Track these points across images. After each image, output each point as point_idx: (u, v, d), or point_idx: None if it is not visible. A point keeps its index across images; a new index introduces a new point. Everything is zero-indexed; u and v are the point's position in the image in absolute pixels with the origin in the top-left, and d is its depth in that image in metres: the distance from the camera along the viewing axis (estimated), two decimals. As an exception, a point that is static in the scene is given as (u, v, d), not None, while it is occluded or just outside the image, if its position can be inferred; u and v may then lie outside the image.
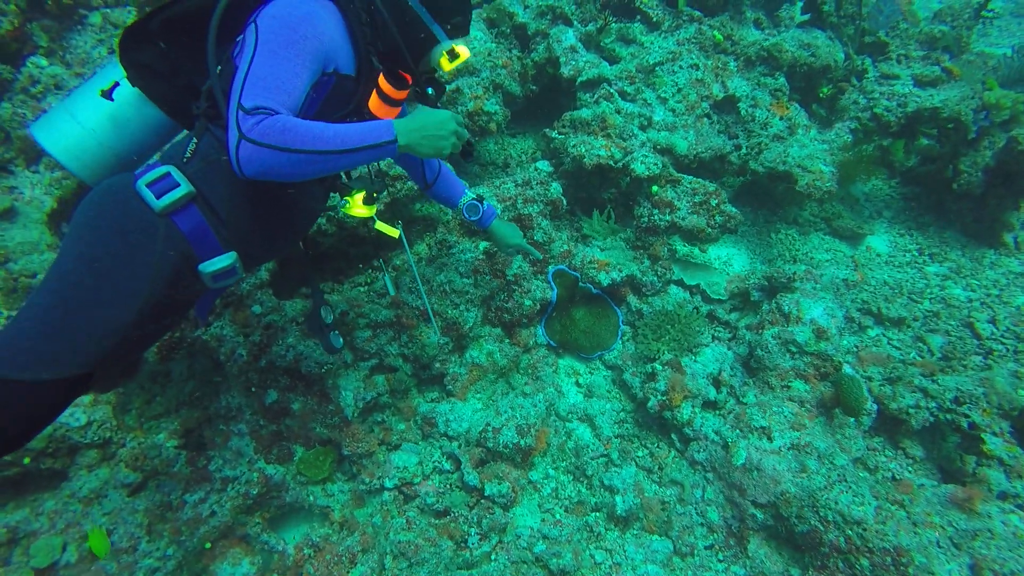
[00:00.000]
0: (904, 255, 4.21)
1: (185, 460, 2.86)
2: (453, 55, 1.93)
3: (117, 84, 1.84)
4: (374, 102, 1.87)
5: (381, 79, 1.83)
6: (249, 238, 1.87)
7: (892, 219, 4.40)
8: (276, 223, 1.94)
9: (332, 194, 2.16)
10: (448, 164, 2.75)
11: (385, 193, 3.29)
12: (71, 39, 3.21)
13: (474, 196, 2.69)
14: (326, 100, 1.78)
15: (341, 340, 2.36)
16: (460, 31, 1.99)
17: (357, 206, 2.01)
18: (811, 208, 4.27)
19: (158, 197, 1.68)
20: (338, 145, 1.57)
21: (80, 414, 2.74)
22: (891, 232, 4.34)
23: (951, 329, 3.67)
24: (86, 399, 2.81)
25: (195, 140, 1.77)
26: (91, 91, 1.85)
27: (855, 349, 3.54)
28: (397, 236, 2.13)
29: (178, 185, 1.70)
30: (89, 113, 1.82)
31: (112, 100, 1.83)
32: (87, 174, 1.86)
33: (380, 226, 2.15)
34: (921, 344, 3.60)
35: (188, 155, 1.75)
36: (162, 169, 1.72)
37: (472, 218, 2.70)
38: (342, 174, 2.17)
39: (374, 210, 2.06)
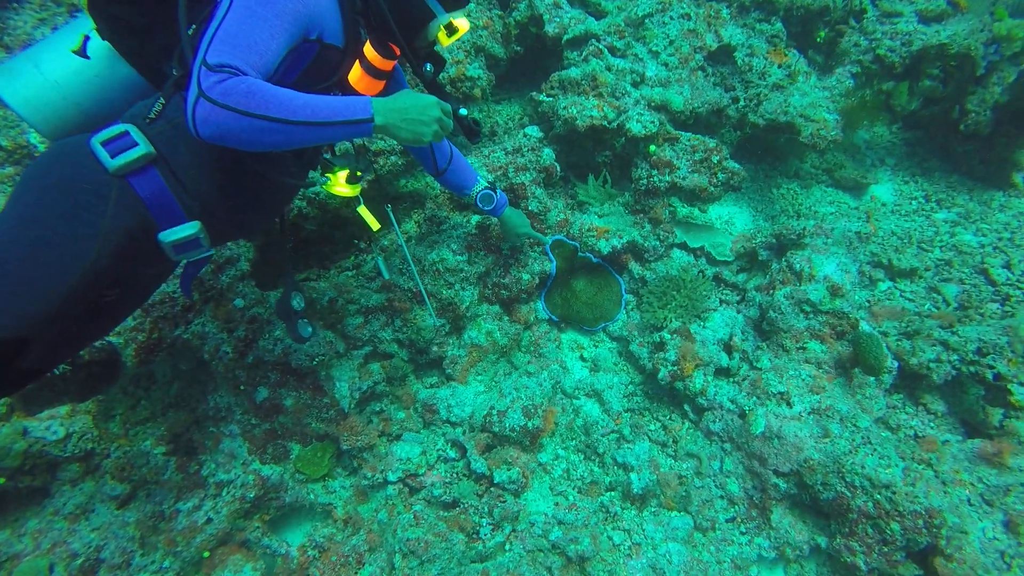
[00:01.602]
0: (910, 203, 4.05)
1: (175, 466, 2.72)
2: (451, 29, 1.76)
3: (88, 38, 1.66)
4: (355, 73, 1.71)
5: (367, 47, 1.68)
6: (216, 209, 1.72)
7: (895, 166, 4.23)
8: (247, 196, 1.78)
9: (312, 172, 1.97)
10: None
11: (371, 173, 3.08)
12: (8, 19, 2.93)
13: (487, 184, 2.54)
14: (307, 69, 1.64)
15: (310, 329, 2.22)
16: (459, 3, 1.81)
17: (339, 184, 1.86)
18: (812, 160, 4.09)
19: (113, 156, 1.54)
20: (306, 117, 1.40)
21: (57, 427, 2.56)
22: (895, 180, 4.18)
23: (965, 277, 3.54)
24: (63, 410, 2.63)
25: (162, 100, 1.60)
26: (58, 42, 1.68)
27: (867, 304, 3.41)
28: (377, 229, 1.96)
29: (136, 145, 1.55)
30: (54, 64, 1.66)
31: (88, 58, 1.66)
32: (47, 128, 1.70)
33: (363, 212, 1.97)
34: (936, 295, 3.48)
35: (152, 115, 1.59)
36: (119, 127, 1.57)
37: (486, 208, 2.58)
38: (325, 148, 2.02)
39: (358, 190, 1.90)
